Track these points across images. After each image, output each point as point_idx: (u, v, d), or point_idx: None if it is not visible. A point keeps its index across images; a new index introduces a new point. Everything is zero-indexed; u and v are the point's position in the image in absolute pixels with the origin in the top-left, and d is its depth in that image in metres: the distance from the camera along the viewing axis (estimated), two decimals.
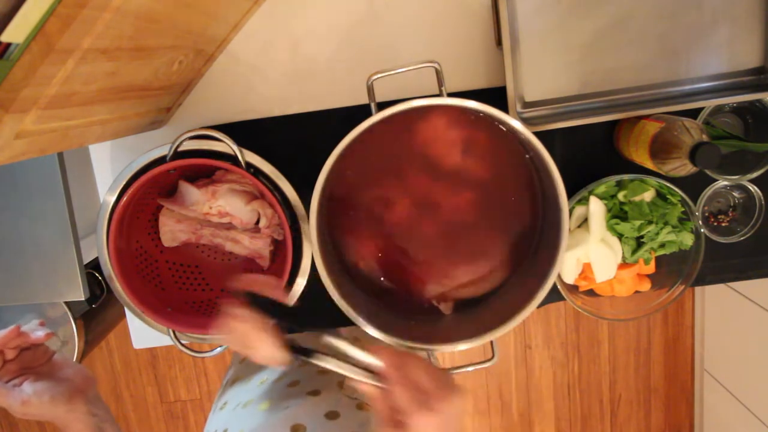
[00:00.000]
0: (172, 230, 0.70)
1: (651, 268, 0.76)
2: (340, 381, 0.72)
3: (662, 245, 0.73)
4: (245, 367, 0.82)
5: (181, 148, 0.61)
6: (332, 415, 0.65)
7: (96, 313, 1.16)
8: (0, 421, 2.01)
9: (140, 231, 0.68)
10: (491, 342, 0.62)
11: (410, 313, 0.70)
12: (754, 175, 0.74)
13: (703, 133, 0.60)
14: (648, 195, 0.72)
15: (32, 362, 0.58)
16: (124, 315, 1.15)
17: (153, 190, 0.67)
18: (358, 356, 0.50)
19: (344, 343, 0.50)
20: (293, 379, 0.73)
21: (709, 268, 0.80)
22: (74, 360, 0.70)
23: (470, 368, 0.64)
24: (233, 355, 0.91)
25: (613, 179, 0.71)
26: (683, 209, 0.72)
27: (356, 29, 0.73)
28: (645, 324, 1.94)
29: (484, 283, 0.70)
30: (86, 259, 0.97)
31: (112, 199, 0.62)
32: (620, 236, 0.73)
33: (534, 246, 0.69)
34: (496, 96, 0.67)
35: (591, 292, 0.78)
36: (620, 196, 0.72)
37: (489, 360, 0.63)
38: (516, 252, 0.70)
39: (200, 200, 0.67)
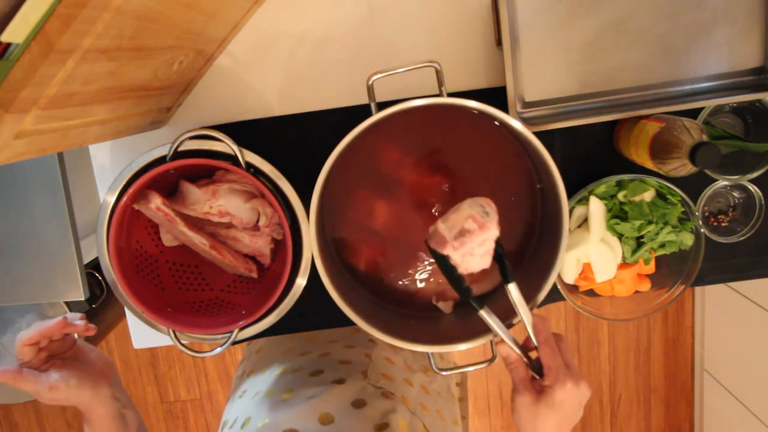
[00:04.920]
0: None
1: (651, 268, 0.76)
2: (364, 371, 0.73)
3: (662, 245, 0.73)
4: (261, 359, 0.81)
5: (181, 148, 0.61)
6: (358, 404, 0.65)
7: (96, 313, 1.16)
8: (0, 420, 2.01)
9: (140, 231, 0.68)
10: (491, 342, 0.62)
11: (410, 312, 0.70)
12: (754, 175, 0.74)
13: (703, 133, 0.60)
14: (648, 195, 0.72)
15: (58, 350, 0.59)
16: (124, 315, 1.14)
17: (153, 190, 0.67)
18: (522, 312, 0.57)
19: (496, 318, 0.57)
20: (316, 368, 0.73)
21: (709, 268, 0.80)
22: None
23: (470, 368, 0.64)
24: (247, 347, 0.90)
25: (613, 179, 0.71)
26: (683, 209, 0.72)
27: (356, 29, 0.73)
28: (645, 324, 1.94)
29: (484, 282, 0.70)
30: (86, 259, 0.97)
31: (112, 199, 0.62)
32: (620, 236, 0.73)
33: (534, 246, 0.69)
34: (496, 96, 0.67)
35: (591, 292, 0.78)
36: (620, 196, 0.72)
37: (489, 360, 0.63)
38: (516, 252, 0.70)
39: (201, 200, 0.67)
